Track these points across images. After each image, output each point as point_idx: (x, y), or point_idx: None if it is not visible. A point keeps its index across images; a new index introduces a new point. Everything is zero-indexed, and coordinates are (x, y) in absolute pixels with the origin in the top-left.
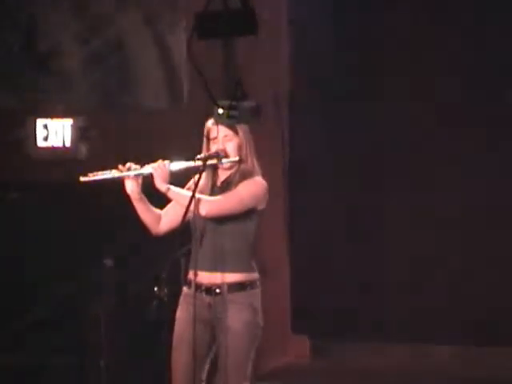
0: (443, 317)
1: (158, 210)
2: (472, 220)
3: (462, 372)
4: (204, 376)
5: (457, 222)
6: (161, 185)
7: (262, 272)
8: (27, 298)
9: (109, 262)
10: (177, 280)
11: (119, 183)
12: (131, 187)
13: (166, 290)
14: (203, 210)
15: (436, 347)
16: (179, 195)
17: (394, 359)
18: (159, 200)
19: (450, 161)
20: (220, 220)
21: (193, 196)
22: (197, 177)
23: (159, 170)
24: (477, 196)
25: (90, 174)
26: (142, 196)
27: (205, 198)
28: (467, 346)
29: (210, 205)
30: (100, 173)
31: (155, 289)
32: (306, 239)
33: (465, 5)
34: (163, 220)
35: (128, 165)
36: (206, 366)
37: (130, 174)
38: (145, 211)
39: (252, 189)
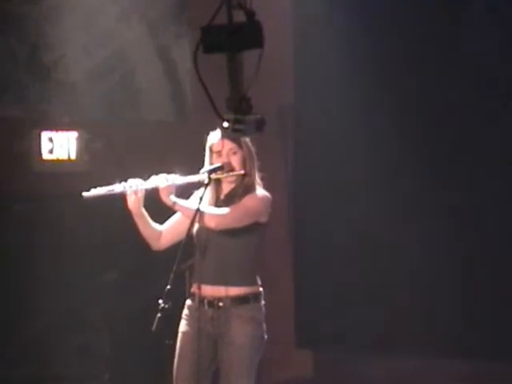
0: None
1: (158, 226)
2: None
3: None
4: None
5: None
6: (167, 199)
7: (266, 286)
8: (31, 310)
9: (113, 275)
10: (181, 293)
11: (122, 198)
12: (133, 203)
13: (170, 303)
14: (213, 223)
15: (448, 361)
16: (186, 208)
17: (398, 373)
18: (164, 213)
19: None
20: (224, 233)
21: (198, 209)
22: (202, 190)
23: (165, 184)
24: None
25: (93, 189)
26: (144, 212)
27: (213, 210)
28: None
29: (220, 217)
30: (103, 188)
31: (160, 301)
32: (310, 253)
33: None
34: (164, 235)
35: (130, 180)
36: (209, 380)
37: (134, 189)
38: (145, 227)
39: (258, 202)
